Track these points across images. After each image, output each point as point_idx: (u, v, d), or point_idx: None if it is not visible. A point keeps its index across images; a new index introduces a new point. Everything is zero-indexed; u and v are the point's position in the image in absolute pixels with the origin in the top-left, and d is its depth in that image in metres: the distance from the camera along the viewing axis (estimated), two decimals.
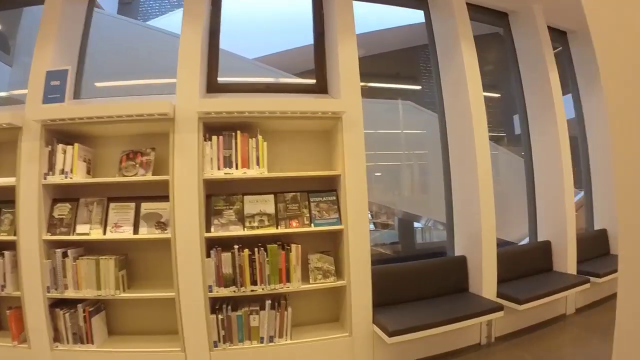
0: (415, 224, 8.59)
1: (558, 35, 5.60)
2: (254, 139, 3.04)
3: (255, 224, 3.01)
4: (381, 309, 3.29)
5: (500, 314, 3.35)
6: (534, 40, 4.72)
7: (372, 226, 8.90)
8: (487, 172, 3.80)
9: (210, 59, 3.54)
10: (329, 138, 3.43)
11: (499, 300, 3.66)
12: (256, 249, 2.96)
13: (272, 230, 3.02)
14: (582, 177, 5.57)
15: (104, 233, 3.01)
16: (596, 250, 5.22)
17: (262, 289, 2.97)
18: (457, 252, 4.07)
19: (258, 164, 3.01)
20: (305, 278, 3.08)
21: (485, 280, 3.73)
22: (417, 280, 3.69)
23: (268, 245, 2.98)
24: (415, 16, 4.67)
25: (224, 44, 3.65)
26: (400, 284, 3.60)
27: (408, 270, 3.70)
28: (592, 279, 4.27)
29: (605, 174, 5.41)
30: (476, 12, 4.46)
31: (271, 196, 3.12)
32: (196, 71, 3.13)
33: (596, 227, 5.53)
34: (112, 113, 2.92)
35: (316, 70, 3.71)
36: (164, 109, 2.92)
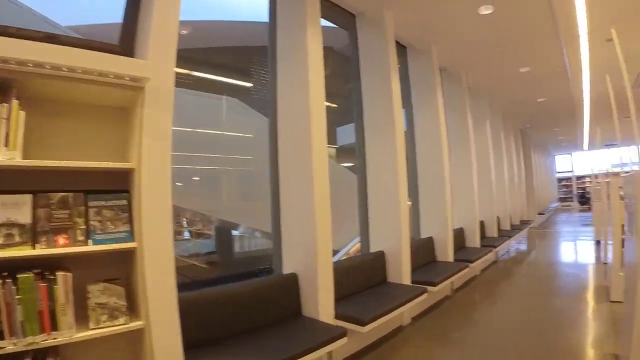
0: (234, 232, 8.04)
1: (399, 49, 5.64)
2: (5, 105, 1.95)
3: (0, 241, 1.94)
4: (195, 353, 2.44)
5: (343, 340, 2.85)
6: (380, 47, 4.58)
7: (187, 234, 8.13)
8: (324, 182, 3.37)
9: None
10: (125, 118, 2.39)
11: (339, 323, 3.19)
12: (0, 281, 1.89)
13: (27, 252, 1.91)
14: (411, 188, 5.62)
15: None
16: (424, 258, 5.36)
17: (14, 345, 1.87)
18: (287, 270, 3.47)
19: (7, 144, 1.92)
20: (82, 321, 2.02)
21: (321, 300, 3.21)
22: (241, 307, 2.93)
23: (19, 275, 1.90)
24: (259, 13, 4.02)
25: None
26: (219, 314, 2.79)
27: (228, 296, 2.91)
28: (428, 288, 4.21)
29: (431, 185, 5.65)
30: (324, 7, 4.00)
31: (28, 197, 2.00)
32: None
33: (422, 236, 5.69)
34: None
35: (123, 27, 2.65)
36: None
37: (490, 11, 4.82)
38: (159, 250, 2.20)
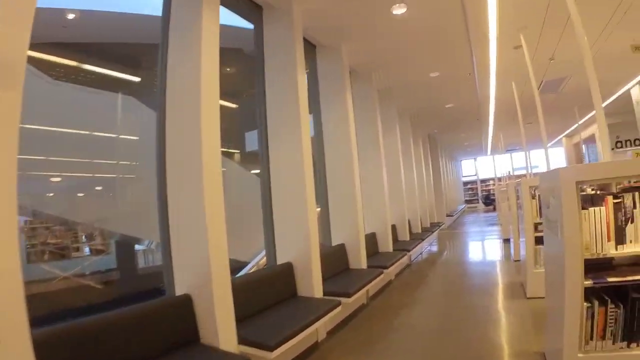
0: (138, 247, 7.38)
1: (308, 48, 5.43)
2: None
3: None
4: None
5: None
6: (287, 44, 4.25)
7: (87, 251, 7.43)
8: (217, 189, 2.92)
9: None
10: None
11: (243, 349, 2.79)
12: None
13: None
14: (318, 193, 5.39)
15: None
16: (337, 267, 5.12)
17: None
18: (180, 290, 2.95)
19: None
20: None
21: (220, 325, 2.76)
22: (127, 337, 2.41)
23: None
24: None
25: None
26: (100, 348, 2.25)
27: (111, 324, 2.37)
28: (342, 299, 3.92)
29: (341, 190, 5.44)
30: None
31: None
32: None
33: (334, 243, 5.46)
34: None
35: None
36: None
37: (403, 10, 4.70)
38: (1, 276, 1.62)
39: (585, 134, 13.50)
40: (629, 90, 9.34)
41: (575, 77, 7.91)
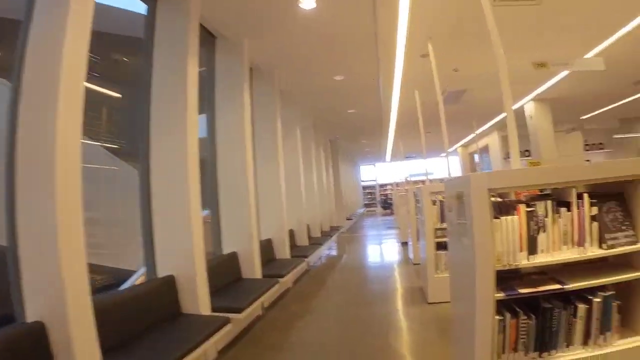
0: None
1: (207, 39, 4.97)
2: None
3: None
4: None
5: None
6: (180, 31, 3.76)
7: None
8: (74, 191, 2.36)
9: None
10: None
11: None
12: None
13: None
14: (208, 198, 5.00)
15: None
16: (228, 277, 4.68)
17: None
18: (31, 316, 2.30)
19: None
20: None
21: (80, 358, 2.20)
22: None
23: None
24: None
25: None
26: None
27: None
28: (232, 316, 3.50)
29: (233, 194, 5.02)
30: None
31: None
32: None
33: (225, 251, 5.01)
34: None
35: None
36: None
37: (312, 6, 4.43)
38: None
39: (481, 144, 14.44)
40: (522, 105, 10.06)
41: (475, 91, 8.23)
